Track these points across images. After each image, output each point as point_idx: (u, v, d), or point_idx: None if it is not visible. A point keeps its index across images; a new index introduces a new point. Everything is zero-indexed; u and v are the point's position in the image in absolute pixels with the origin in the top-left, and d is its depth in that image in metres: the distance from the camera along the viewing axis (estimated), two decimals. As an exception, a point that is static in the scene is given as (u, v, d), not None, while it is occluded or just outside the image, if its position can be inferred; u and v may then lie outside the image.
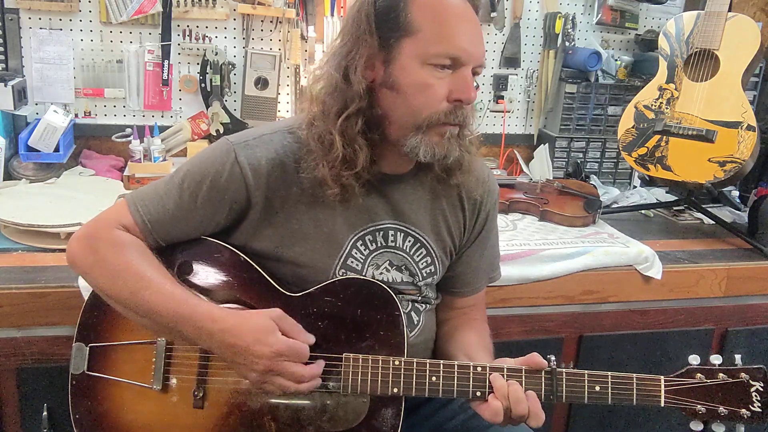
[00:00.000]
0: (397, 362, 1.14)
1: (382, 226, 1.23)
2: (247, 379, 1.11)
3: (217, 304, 1.19)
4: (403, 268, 1.26)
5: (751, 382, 1.09)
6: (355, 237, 1.22)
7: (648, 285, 1.81)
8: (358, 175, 1.14)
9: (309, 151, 1.16)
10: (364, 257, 1.23)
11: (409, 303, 1.27)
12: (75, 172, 2.01)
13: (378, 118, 1.14)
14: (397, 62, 1.10)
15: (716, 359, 1.11)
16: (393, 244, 1.25)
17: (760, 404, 1.08)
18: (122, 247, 1.15)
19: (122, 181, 1.99)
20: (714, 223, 2.09)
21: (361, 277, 1.21)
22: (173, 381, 1.19)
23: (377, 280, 1.22)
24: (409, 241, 1.26)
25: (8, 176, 1.91)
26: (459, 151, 1.16)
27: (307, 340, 1.12)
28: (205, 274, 1.21)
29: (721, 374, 1.10)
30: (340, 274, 1.21)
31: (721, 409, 1.09)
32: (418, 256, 1.27)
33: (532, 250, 1.74)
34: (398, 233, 1.25)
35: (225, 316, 1.10)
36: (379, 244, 1.24)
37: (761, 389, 1.08)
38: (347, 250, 1.21)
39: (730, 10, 1.92)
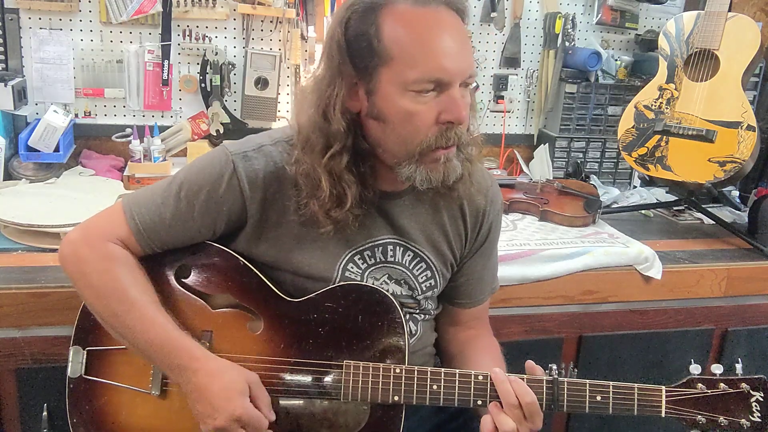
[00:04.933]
0: (397, 370, 1.13)
1: (380, 242, 1.22)
2: (199, 423, 1.09)
3: (214, 309, 1.19)
4: (402, 282, 1.25)
5: (751, 392, 1.09)
6: (352, 252, 1.21)
7: (648, 285, 1.81)
8: (350, 212, 1.11)
9: (299, 189, 1.13)
10: (360, 271, 1.21)
11: (407, 313, 1.25)
12: (75, 172, 2.01)
13: (368, 150, 1.11)
14: (378, 92, 1.04)
15: (717, 369, 1.11)
16: (392, 259, 1.23)
17: (759, 414, 1.08)
18: (111, 264, 1.14)
19: (122, 181, 1.99)
20: (714, 223, 2.09)
21: (363, 284, 1.20)
22: (172, 386, 1.18)
23: None
24: (409, 256, 1.24)
25: (8, 176, 1.91)
26: (460, 169, 1.11)
27: (269, 416, 1.10)
28: (205, 278, 1.20)
29: (722, 384, 1.10)
30: (339, 283, 1.19)
31: (722, 419, 1.09)
32: (417, 271, 1.25)
33: (532, 250, 1.74)
34: (397, 248, 1.23)
35: (204, 358, 1.10)
36: (377, 260, 1.22)
37: (761, 399, 1.08)
38: (343, 265, 1.20)
39: (730, 10, 1.91)
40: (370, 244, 1.21)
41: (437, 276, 1.27)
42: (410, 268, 1.25)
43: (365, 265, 1.22)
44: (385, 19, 1.02)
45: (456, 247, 1.28)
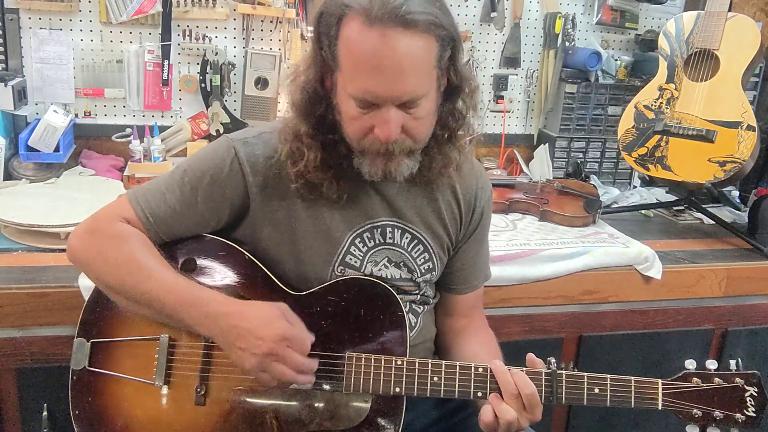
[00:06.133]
0: (399, 362, 1.14)
1: (379, 224, 1.24)
2: (243, 366, 1.09)
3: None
4: (401, 264, 1.26)
5: (745, 386, 1.10)
6: (354, 234, 1.23)
7: (648, 285, 1.81)
8: (301, 174, 1.15)
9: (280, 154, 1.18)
10: (362, 254, 1.24)
11: (408, 304, 1.27)
12: (75, 172, 2.01)
13: (338, 125, 1.15)
14: (335, 88, 1.11)
15: (712, 364, 1.13)
16: (391, 241, 1.25)
17: (754, 409, 1.10)
18: (124, 238, 1.16)
19: (122, 181, 1.99)
20: (714, 223, 2.09)
21: (365, 277, 1.22)
22: (175, 377, 1.19)
23: (376, 276, 1.23)
24: (407, 238, 1.26)
25: (8, 176, 1.91)
26: (410, 168, 1.15)
27: (308, 335, 1.12)
28: (209, 271, 1.21)
29: (717, 379, 1.11)
30: (339, 271, 1.22)
31: (717, 413, 1.10)
32: (415, 253, 1.27)
33: (532, 250, 1.74)
34: (396, 230, 1.25)
35: (232, 302, 1.12)
36: (377, 241, 1.25)
37: (755, 394, 1.10)
38: (346, 247, 1.22)
39: (730, 10, 1.92)
40: (370, 226, 1.24)
41: (434, 258, 1.29)
42: (408, 250, 1.27)
43: (366, 247, 1.24)
44: (342, 28, 1.05)
45: (452, 231, 1.31)
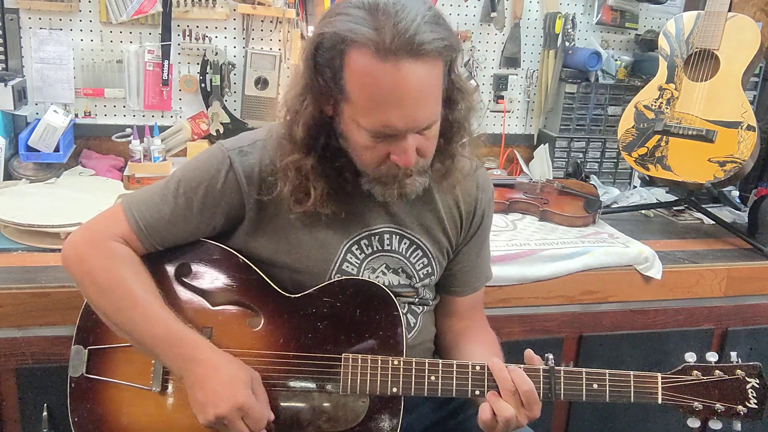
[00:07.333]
0: (396, 362, 1.14)
1: (376, 231, 1.24)
2: (197, 413, 1.10)
3: (214, 307, 1.20)
4: (399, 270, 1.26)
5: (747, 378, 1.10)
6: (350, 242, 1.22)
7: (648, 285, 1.81)
8: (317, 206, 1.14)
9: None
10: (359, 261, 1.23)
11: (406, 305, 1.27)
12: (75, 172, 2.01)
13: (343, 150, 1.13)
14: (341, 117, 1.08)
15: (712, 356, 1.12)
16: (389, 248, 1.25)
17: (756, 400, 1.09)
18: (114, 261, 1.15)
19: (122, 181, 1.99)
20: (714, 223, 2.09)
21: (360, 278, 1.22)
22: (172, 383, 1.19)
23: None
24: (405, 244, 1.26)
25: (8, 176, 1.91)
26: (421, 185, 1.14)
27: (269, 416, 1.12)
28: (205, 276, 1.21)
29: (717, 371, 1.11)
30: (336, 278, 1.21)
31: (718, 405, 1.10)
32: (414, 258, 1.27)
33: (532, 250, 1.74)
34: (394, 236, 1.25)
35: (209, 350, 1.12)
36: (374, 248, 1.24)
37: (757, 386, 1.10)
38: (342, 255, 1.22)
39: (730, 10, 1.92)
40: (367, 233, 1.23)
41: (434, 263, 1.28)
42: (407, 255, 1.26)
43: (363, 255, 1.23)
44: (349, 61, 1.01)
45: (451, 234, 1.30)
